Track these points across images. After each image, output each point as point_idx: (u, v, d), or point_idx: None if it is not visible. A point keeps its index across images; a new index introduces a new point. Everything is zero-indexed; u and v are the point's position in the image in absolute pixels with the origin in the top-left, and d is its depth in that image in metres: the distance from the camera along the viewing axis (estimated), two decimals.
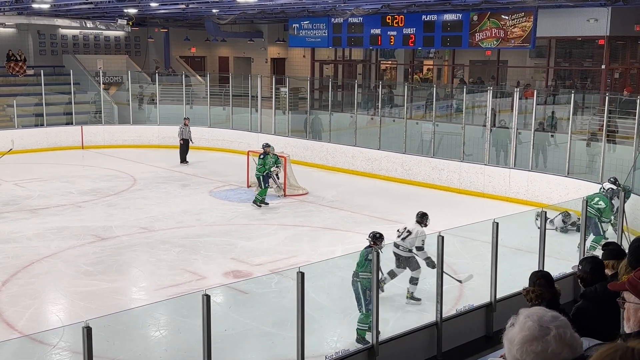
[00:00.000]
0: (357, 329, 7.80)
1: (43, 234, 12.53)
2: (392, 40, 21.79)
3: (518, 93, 16.36)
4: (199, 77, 26.76)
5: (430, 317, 7.56)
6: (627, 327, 2.27)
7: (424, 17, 20.80)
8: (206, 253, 11.64)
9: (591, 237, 10.64)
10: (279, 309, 8.96)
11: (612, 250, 5.15)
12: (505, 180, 15.77)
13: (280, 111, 21.86)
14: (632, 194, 11.93)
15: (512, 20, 19.03)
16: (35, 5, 19.48)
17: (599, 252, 9.80)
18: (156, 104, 23.59)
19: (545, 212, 8.77)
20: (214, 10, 22.76)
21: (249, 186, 16.74)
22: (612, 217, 11.23)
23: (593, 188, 12.84)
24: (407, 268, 9.17)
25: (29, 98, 22.94)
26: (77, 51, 27.47)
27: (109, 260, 11.15)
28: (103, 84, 24.18)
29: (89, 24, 25.41)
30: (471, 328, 7.82)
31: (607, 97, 14.96)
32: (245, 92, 22.79)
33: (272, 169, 15.25)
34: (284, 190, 15.94)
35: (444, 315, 7.53)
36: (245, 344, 8.27)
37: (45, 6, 19.80)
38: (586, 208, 9.50)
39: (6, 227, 12.94)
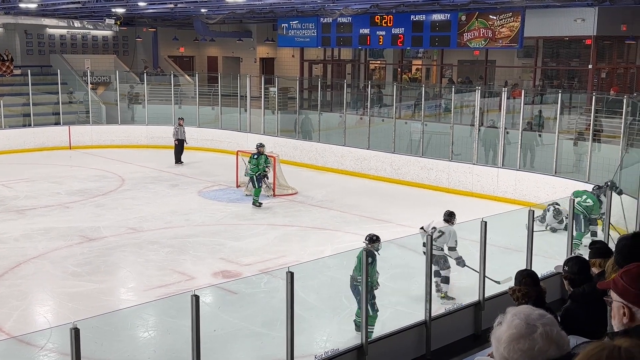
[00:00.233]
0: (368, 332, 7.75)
1: (30, 235, 12.44)
2: (381, 40, 21.83)
3: (506, 93, 16.43)
4: (187, 77, 26.69)
5: (419, 316, 7.58)
6: (614, 325, 2.29)
7: (412, 17, 20.85)
8: (195, 253, 11.60)
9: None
10: (268, 309, 8.94)
11: (599, 248, 5.18)
12: (494, 180, 15.84)
13: (270, 111, 21.84)
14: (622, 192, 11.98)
15: (499, 20, 19.12)
16: (22, 5, 19.35)
17: (583, 249, 9.96)
18: (140, 102, 23.51)
19: (534, 211, 8.82)
20: (202, 10, 22.71)
21: (238, 186, 16.71)
22: (600, 214, 11.37)
23: (580, 187, 12.93)
24: (438, 266, 9.23)
25: (16, 98, 22.78)
26: (65, 51, 27.31)
27: (97, 261, 11.10)
28: (91, 83, 24.05)
29: (77, 23, 25.27)
30: (460, 327, 7.85)
31: (594, 97, 15.05)
32: (234, 91, 22.75)
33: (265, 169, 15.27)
34: (274, 190, 15.92)
35: (433, 314, 7.55)
36: (235, 345, 8.26)
37: (33, 6, 19.66)
38: (573, 204, 9.57)
39: None
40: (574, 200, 9.97)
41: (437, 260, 9.19)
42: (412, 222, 13.23)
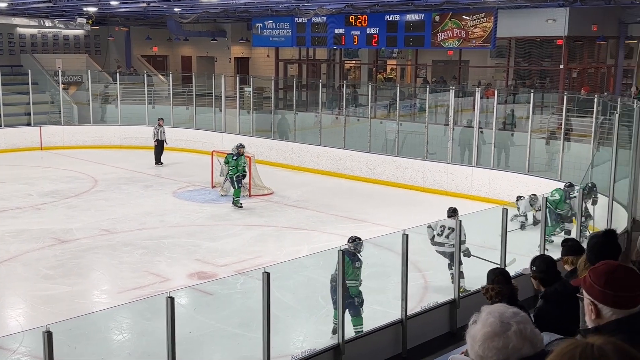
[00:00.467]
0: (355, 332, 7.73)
1: (1, 237, 12.24)
2: (356, 40, 21.89)
3: (479, 92, 16.58)
4: (161, 77, 26.45)
5: (395, 314, 7.62)
6: (587, 322, 2.32)
7: (387, 17, 20.94)
8: (170, 254, 11.52)
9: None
10: (244, 309, 8.91)
11: (572, 246, 5.25)
12: (468, 179, 15.98)
13: (245, 111, 21.76)
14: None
15: (473, 20, 19.29)
16: None
17: (554, 247, 10.14)
18: (110, 102, 23.25)
19: (507, 210, 8.92)
20: (175, 9, 22.54)
21: (213, 186, 16.62)
22: (568, 211, 11.58)
23: (552, 185, 13.10)
24: (451, 262, 9.34)
25: None
26: (36, 50, 26.90)
27: (69, 263, 10.95)
28: (62, 83, 23.72)
29: (48, 22, 24.91)
30: (435, 325, 7.91)
31: (565, 97, 15.27)
32: (208, 91, 22.62)
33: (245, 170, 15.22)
34: (249, 190, 15.87)
35: (409, 312, 7.59)
36: (211, 346, 8.21)
37: (3, 4, 19.33)
38: (546, 203, 9.72)
39: None
40: (546, 199, 10.14)
41: (450, 255, 9.41)
42: (388, 221, 13.31)
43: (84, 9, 21.55)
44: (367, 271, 9.39)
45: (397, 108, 17.85)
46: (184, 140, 22.06)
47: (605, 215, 11.40)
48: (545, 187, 13.24)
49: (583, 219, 11.08)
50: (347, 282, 7.61)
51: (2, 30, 25.83)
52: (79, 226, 13.07)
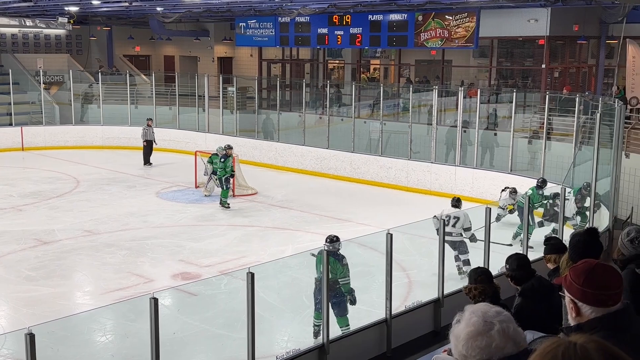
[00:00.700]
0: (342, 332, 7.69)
1: None
2: (339, 39, 21.91)
3: (462, 92, 16.67)
4: (143, 77, 26.28)
5: (380, 314, 7.63)
6: (569, 320, 2.34)
7: (370, 16, 20.98)
8: (153, 255, 11.45)
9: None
10: (228, 310, 8.89)
11: (554, 244, 5.29)
12: (451, 178, 16.06)
13: (228, 110, 21.69)
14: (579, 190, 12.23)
15: (455, 20, 19.39)
16: None
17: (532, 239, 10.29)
18: (91, 102, 23.06)
19: (490, 209, 8.98)
20: (158, 8, 22.41)
21: (197, 187, 16.55)
22: (540, 201, 11.72)
23: (535, 184, 13.18)
24: (457, 250, 9.71)
25: None
26: (16, 50, 26.63)
27: (52, 264, 10.85)
28: (43, 83, 23.50)
29: (29, 22, 24.67)
30: (420, 324, 7.94)
31: (547, 96, 15.39)
32: (191, 91, 22.52)
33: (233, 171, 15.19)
34: (233, 191, 15.81)
35: (393, 312, 7.61)
36: (195, 347, 8.18)
37: None
38: (528, 204, 9.80)
39: None
40: (529, 198, 10.22)
41: (457, 245, 9.75)
42: (372, 220, 13.34)
43: (65, 8, 21.36)
44: (351, 271, 9.41)
45: (381, 108, 17.89)
46: (167, 140, 21.93)
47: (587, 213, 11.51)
48: (528, 186, 13.32)
49: (579, 218, 11.19)
50: (339, 280, 7.61)
51: None
52: (61, 227, 12.96)
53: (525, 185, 13.74)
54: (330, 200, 15.60)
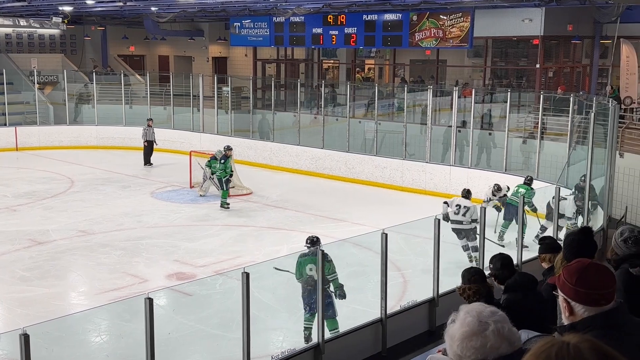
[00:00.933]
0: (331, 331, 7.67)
1: None
2: (334, 39, 21.91)
3: (457, 92, 16.69)
4: (138, 76, 26.23)
5: (375, 313, 7.64)
6: (563, 319, 2.35)
7: (364, 16, 21.00)
8: (148, 255, 11.43)
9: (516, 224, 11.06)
10: (223, 310, 8.88)
11: (549, 244, 5.31)
12: (446, 178, 16.08)
13: (223, 110, 21.67)
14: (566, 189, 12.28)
15: (450, 20, 19.42)
16: None
17: (510, 235, 10.35)
18: (85, 102, 22.99)
19: (485, 208, 9.00)
20: (152, 8, 22.37)
21: (192, 187, 16.53)
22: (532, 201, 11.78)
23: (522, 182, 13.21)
24: (466, 238, 10.20)
25: None
26: (10, 50, 26.54)
27: (46, 265, 10.83)
28: (38, 83, 23.42)
29: (23, 22, 24.58)
30: (415, 323, 7.95)
31: (541, 96, 15.42)
32: (186, 91, 22.49)
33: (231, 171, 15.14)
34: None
35: (389, 311, 7.62)
36: (190, 347, 8.17)
37: None
38: (523, 204, 9.82)
39: None
40: (523, 197, 10.24)
41: (467, 233, 10.22)
42: (367, 220, 13.35)
43: (60, 8, 21.31)
44: (346, 270, 9.43)
45: (376, 107, 17.91)
46: (162, 140, 21.86)
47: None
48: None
49: (580, 219, 11.20)
50: (328, 277, 7.56)
51: None
52: (56, 227, 12.92)
53: (519, 184, 13.76)
54: (325, 200, 15.61)
